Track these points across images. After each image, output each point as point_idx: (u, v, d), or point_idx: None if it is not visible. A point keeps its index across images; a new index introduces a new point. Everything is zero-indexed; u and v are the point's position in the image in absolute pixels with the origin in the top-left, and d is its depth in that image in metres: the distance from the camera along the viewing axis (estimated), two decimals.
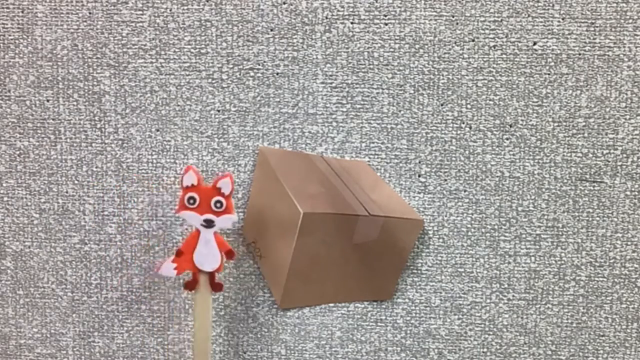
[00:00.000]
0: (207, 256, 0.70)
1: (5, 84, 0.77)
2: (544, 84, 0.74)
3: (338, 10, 0.74)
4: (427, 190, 0.76)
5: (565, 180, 0.75)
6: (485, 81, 0.74)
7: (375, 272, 0.76)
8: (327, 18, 0.74)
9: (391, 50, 0.74)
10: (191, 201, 0.69)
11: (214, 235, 0.70)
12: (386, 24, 0.74)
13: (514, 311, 0.77)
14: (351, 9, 0.74)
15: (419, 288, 0.77)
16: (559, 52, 0.73)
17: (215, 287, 0.71)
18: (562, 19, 0.72)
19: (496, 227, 0.76)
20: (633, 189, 0.74)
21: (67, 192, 0.78)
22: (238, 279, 0.79)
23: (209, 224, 0.69)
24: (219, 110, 0.76)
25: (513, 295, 0.76)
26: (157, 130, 0.77)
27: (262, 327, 0.79)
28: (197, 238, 0.70)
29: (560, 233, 0.75)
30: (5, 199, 0.79)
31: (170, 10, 0.75)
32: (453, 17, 0.73)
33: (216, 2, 0.75)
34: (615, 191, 0.74)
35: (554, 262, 0.76)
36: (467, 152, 0.75)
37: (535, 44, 0.73)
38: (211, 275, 0.71)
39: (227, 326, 0.79)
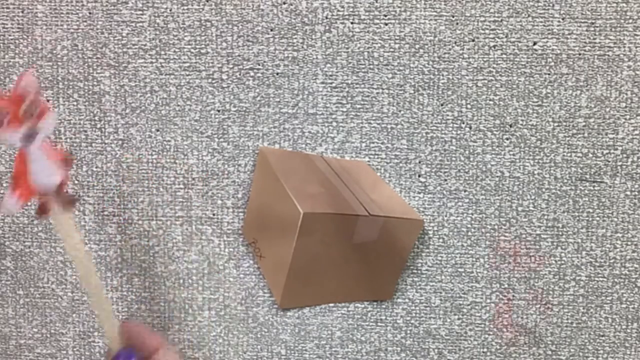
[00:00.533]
0: (44, 172, 0.59)
1: (5, 84, 0.77)
2: (544, 84, 0.74)
3: (338, 10, 0.74)
4: (427, 190, 0.76)
5: (565, 180, 0.75)
6: (485, 81, 0.74)
7: (375, 272, 0.76)
8: (327, 18, 0.74)
9: (391, 50, 0.74)
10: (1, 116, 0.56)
11: (42, 148, 0.58)
12: (386, 24, 0.74)
13: (514, 311, 0.77)
14: (351, 9, 0.74)
15: (419, 288, 0.77)
16: (559, 52, 0.73)
17: (67, 202, 0.61)
18: (562, 19, 0.72)
19: (496, 227, 0.76)
20: (633, 189, 0.74)
21: (67, 192, 0.78)
22: (238, 279, 0.79)
23: (30, 136, 0.57)
24: (219, 110, 0.76)
25: (513, 295, 0.76)
26: (157, 130, 0.77)
27: (262, 327, 0.79)
28: (25, 158, 0.58)
29: (560, 233, 0.75)
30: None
31: (170, 10, 0.75)
32: (453, 17, 0.73)
33: (216, 2, 0.75)
34: (615, 191, 0.74)
35: (554, 262, 0.76)
36: (467, 152, 0.75)
37: (535, 44, 0.73)
38: (58, 191, 0.60)
39: (227, 326, 0.79)
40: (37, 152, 0.58)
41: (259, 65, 0.76)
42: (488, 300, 0.77)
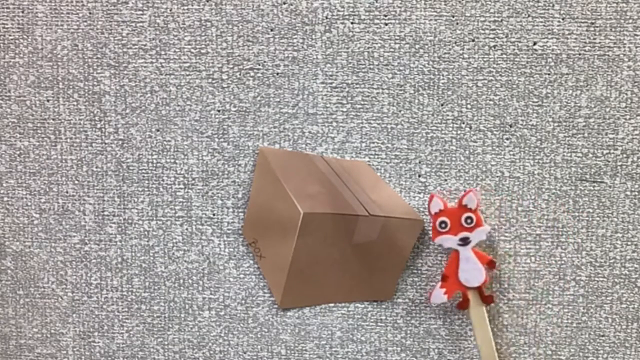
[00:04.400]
0: (472, 272, 0.72)
1: (5, 84, 0.77)
2: (544, 84, 0.74)
3: (338, 10, 0.74)
4: (427, 190, 0.76)
5: (565, 180, 0.75)
6: (485, 81, 0.74)
7: (375, 272, 0.76)
8: (327, 18, 0.74)
9: (391, 50, 0.74)
10: (443, 225, 0.72)
11: (472, 251, 0.72)
12: (386, 24, 0.74)
13: (514, 311, 0.77)
14: (351, 9, 0.74)
15: (419, 288, 0.77)
16: (559, 52, 0.73)
17: (486, 299, 0.73)
18: (562, 19, 0.72)
19: (496, 227, 0.76)
20: (633, 189, 0.74)
21: (67, 192, 0.79)
22: (238, 279, 0.79)
23: (464, 241, 0.72)
24: (219, 110, 0.76)
25: (513, 295, 0.76)
26: (157, 130, 0.77)
27: (262, 327, 0.79)
28: (457, 258, 0.72)
29: (560, 233, 0.75)
30: (5, 199, 0.79)
31: (170, 10, 0.75)
32: (453, 17, 0.73)
33: (216, 2, 0.75)
34: (615, 191, 0.74)
35: (554, 262, 0.76)
36: (467, 152, 0.75)
37: (535, 44, 0.73)
38: (479, 289, 0.73)
39: (227, 326, 0.79)
40: (468, 255, 0.72)
41: (259, 65, 0.76)
42: None
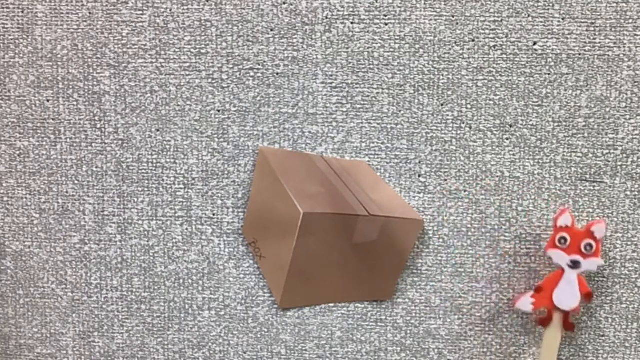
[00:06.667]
0: (567, 295, 0.71)
1: (5, 84, 0.78)
2: (544, 84, 0.74)
3: (338, 10, 0.74)
4: (427, 190, 0.76)
5: (565, 180, 0.75)
6: (485, 81, 0.74)
7: (375, 272, 0.76)
8: (327, 18, 0.74)
9: (391, 50, 0.74)
10: (562, 241, 0.70)
11: (577, 277, 0.71)
12: (386, 24, 0.74)
13: (514, 311, 0.77)
14: (351, 9, 0.74)
15: (419, 288, 0.77)
16: (559, 52, 0.73)
17: (569, 326, 0.73)
18: (562, 19, 0.72)
19: (496, 227, 0.76)
20: (633, 189, 0.74)
21: (67, 192, 0.79)
22: (238, 279, 0.79)
23: (575, 265, 0.71)
24: (219, 110, 0.76)
25: (513, 295, 0.76)
26: (157, 130, 0.77)
27: (262, 327, 0.79)
28: (560, 277, 0.71)
29: None
30: (5, 199, 0.79)
31: (170, 10, 0.75)
32: (453, 17, 0.73)
33: (216, 2, 0.75)
34: (615, 191, 0.74)
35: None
36: (467, 152, 0.75)
37: (535, 44, 0.73)
38: (566, 314, 0.72)
39: (227, 326, 0.79)
40: (571, 278, 0.71)
41: (259, 65, 0.76)
42: (488, 300, 0.77)
